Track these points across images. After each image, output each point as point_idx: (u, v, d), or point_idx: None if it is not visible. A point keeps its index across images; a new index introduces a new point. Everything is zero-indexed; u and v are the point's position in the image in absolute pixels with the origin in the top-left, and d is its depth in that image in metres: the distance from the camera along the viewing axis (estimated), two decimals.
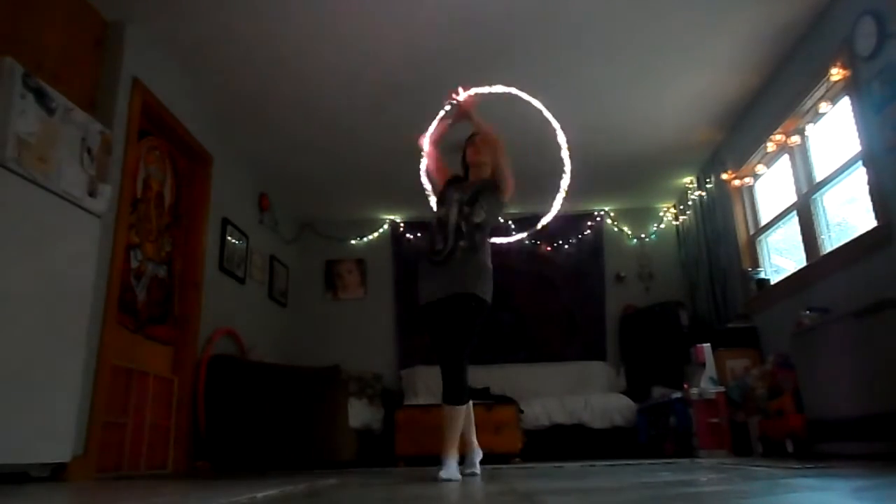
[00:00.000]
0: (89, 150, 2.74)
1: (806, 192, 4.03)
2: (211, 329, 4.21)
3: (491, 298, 2.78)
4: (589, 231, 6.16)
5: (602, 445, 4.78)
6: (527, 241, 6.28)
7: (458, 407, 2.67)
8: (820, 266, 3.74)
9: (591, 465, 3.48)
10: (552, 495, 1.78)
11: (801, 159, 4.14)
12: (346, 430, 4.11)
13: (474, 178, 2.96)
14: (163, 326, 3.85)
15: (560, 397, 5.08)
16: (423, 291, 2.82)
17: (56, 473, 2.58)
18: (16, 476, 2.38)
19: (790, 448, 3.39)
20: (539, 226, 3.44)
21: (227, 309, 4.51)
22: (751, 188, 4.88)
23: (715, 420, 4.08)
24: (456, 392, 2.67)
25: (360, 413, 4.50)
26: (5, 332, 2.26)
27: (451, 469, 2.56)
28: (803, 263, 3.99)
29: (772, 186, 4.65)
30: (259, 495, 1.78)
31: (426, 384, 5.51)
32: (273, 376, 4.19)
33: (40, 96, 2.46)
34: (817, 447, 3.16)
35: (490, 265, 2.81)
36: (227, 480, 2.80)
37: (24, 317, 2.36)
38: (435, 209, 2.98)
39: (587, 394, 5.14)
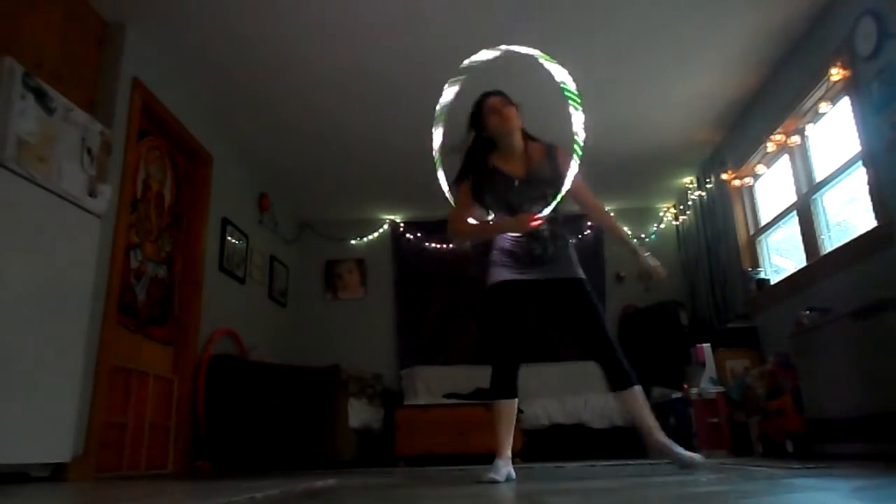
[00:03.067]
0: (89, 150, 2.74)
1: (806, 192, 4.03)
2: (211, 329, 4.22)
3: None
4: (589, 231, 6.16)
5: (602, 445, 4.78)
6: None
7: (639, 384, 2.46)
8: (820, 266, 3.74)
9: (591, 466, 3.48)
10: (553, 496, 1.78)
11: (801, 159, 4.14)
12: (345, 430, 4.11)
13: (517, 160, 2.50)
14: (163, 326, 3.85)
15: (560, 397, 5.08)
16: (510, 272, 2.49)
17: (56, 473, 2.58)
18: (16, 476, 2.38)
19: (790, 448, 3.39)
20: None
21: (227, 309, 4.51)
22: (751, 188, 4.88)
23: (715, 420, 4.08)
24: (630, 371, 2.46)
25: (359, 413, 4.50)
26: (5, 331, 2.26)
27: (499, 469, 2.37)
28: (803, 263, 3.99)
29: (772, 186, 4.65)
30: (259, 495, 1.78)
31: (426, 384, 5.51)
32: (273, 376, 4.19)
33: (40, 96, 2.46)
34: (817, 447, 3.16)
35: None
36: (227, 480, 2.80)
37: (24, 317, 2.36)
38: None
39: (587, 394, 5.14)
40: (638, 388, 2.44)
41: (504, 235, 2.51)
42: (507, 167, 2.50)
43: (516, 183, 2.46)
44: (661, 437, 2.42)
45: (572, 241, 2.63)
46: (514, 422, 2.58)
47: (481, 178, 2.51)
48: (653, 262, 2.69)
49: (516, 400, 2.55)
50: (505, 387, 2.51)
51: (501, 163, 2.51)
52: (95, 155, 2.78)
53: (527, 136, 2.58)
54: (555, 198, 2.39)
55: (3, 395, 2.22)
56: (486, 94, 2.57)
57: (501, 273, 2.50)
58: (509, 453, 2.51)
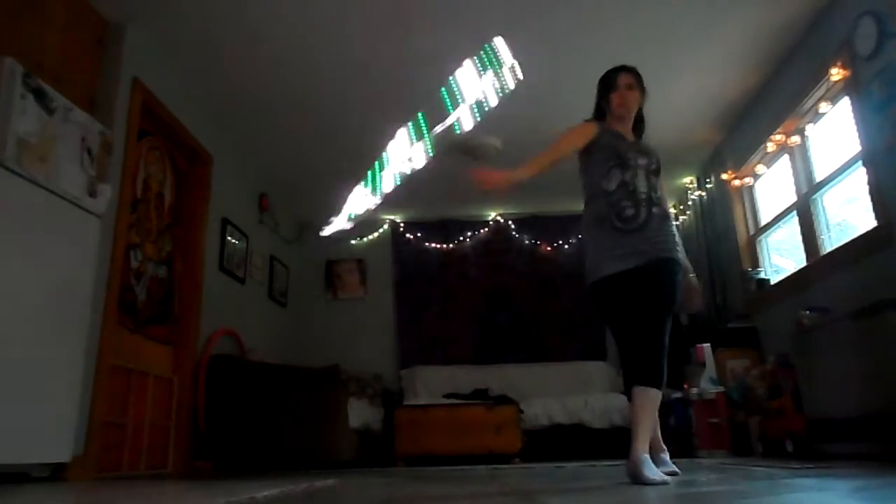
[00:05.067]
0: (89, 150, 2.74)
1: (806, 192, 4.03)
2: (211, 329, 4.22)
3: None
4: None
5: (602, 445, 4.78)
6: (526, 242, 6.30)
7: (658, 390, 2.20)
8: (820, 266, 3.74)
9: (591, 466, 3.48)
10: (553, 495, 1.78)
11: (801, 159, 4.14)
12: (345, 430, 4.11)
13: (630, 135, 2.55)
14: (163, 326, 3.85)
15: (560, 397, 5.08)
16: (605, 262, 2.33)
17: (56, 473, 2.58)
18: (16, 476, 2.38)
19: (790, 448, 3.39)
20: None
21: (227, 309, 4.51)
22: (751, 188, 4.88)
23: (715, 420, 4.08)
24: (658, 369, 2.20)
25: (359, 413, 4.50)
26: (5, 331, 2.26)
27: (653, 468, 2.10)
28: (803, 263, 3.99)
29: (772, 186, 4.65)
30: (259, 495, 1.78)
31: (426, 384, 5.52)
32: (273, 376, 4.19)
33: (40, 96, 2.46)
34: (817, 447, 3.16)
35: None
36: (227, 480, 2.80)
37: (24, 317, 2.36)
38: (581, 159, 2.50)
39: (587, 394, 5.14)
40: (649, 391, 2.19)
41: (596, 203, 2.41)
42: (620, 129, 2.56)
43: (628, 140, 2.51)
44: (662, 450, 2.47)
45: (671, 217, 2.47)
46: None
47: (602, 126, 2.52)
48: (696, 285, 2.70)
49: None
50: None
51: (615, 125, 2.57)
52: (95, 155, 2.78)
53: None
54: (658, 167, 2.46)
55: (3, 395, 2.22)
56: (622, 69, 2.66)
57: (598, 261, 2.36)
58: (662, 444, 2.49)
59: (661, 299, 2.27)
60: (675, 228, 2.44)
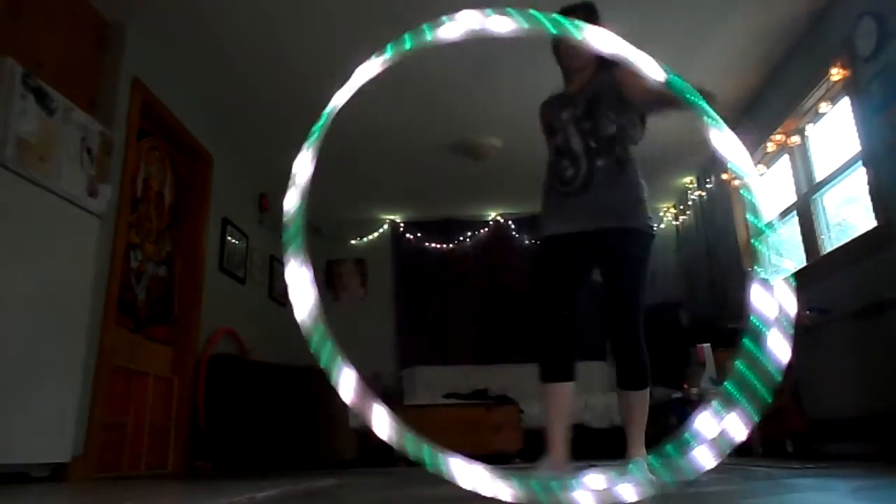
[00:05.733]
0: (89, 150, 2.74)
1: (806, 192, 4.03)
2: (211, 329, 4.21)
3: (653, 226, 2.11)
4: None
5: (602, 445, 4.78)
6: (526, 242, 6.29)
7: (646, 391, 2.03)
8: (820, 266, 3.74)
9: (591, 465, 3.47)
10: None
11: (801, 159, 4.14)
12: (345, 430, 4.11)
13: (577, 87, 2.19)
14: (163, 326, 3.85)
15: None
16: (550, 223, 2.12)
17: (56, 473, 2.58)
18: (16, 476, 2.38)
19: (790, 448, 3.39)
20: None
21: (227, 309, 4.51)
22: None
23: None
24: (643, 367, 2.04)
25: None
26: (5, 332, 2.26)
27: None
28: (803, 263, 3.99)
29: (772, 186, 4.65)
30: (259, 495, 1.78)
31: (426, 384, 5.51)
32: (273, 376, 4.19)
33: (40, 96, 2.46)
34: (817, 447, 3.16)
35: (645, 184, 2.13)
36: (228, 480, 2.80)
37: (24, 317, 2.36)
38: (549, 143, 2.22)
39: (587, 394, 5.14)
40: (639, 394, 2.05)
41: (546, 177, 2.16)
42: (572, 86, 2.21)
43: (565, 98, 2.18)
44: (638, 455, 2.05)
45: (628, 166, 2.08)
46: (569, 414, 2.05)
47: None
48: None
49: (570, 385, 2.04)
50: (555, 366, 2.03)
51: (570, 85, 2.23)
52: (95, 155, 2.78)
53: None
54: (593, 105, 2.06)
55: (3, 395, 2.22)
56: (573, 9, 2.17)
57: (548, 225, 2.13)
58: (564, 459, 1.99)
59: (625, 282, 2.03)
60: (637, 176, 2.08)
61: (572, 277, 2.08)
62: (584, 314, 2.07)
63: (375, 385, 5.58)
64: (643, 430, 2.08)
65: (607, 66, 2.09)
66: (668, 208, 6.22)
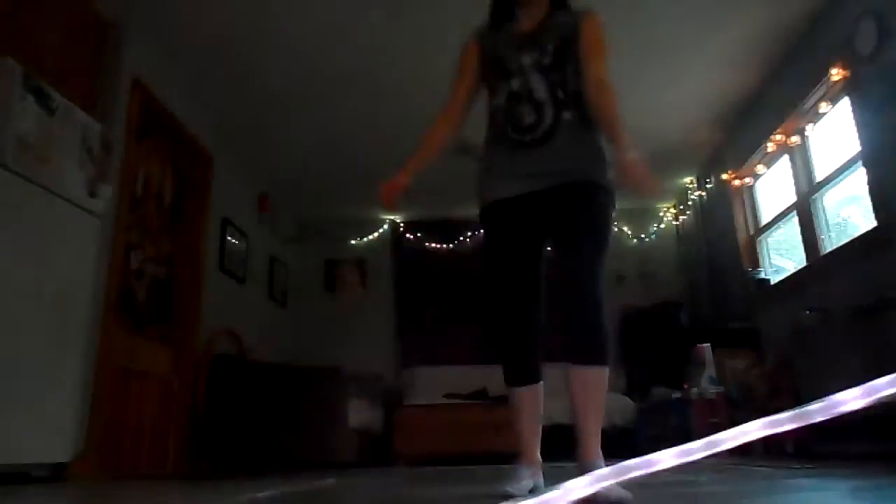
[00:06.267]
0: (89, 150, 2.74)
1: (806, 192, 4.03)
2: (211, 329, 4.21)
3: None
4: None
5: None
6: None
7: (604, 371, 1.72)
8: (820, 266, 3.74)
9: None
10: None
11: (801, 159, 4.14)
12: (345, 430, 4.11)
13: (533, 25, 1.86)
14: (163, 326, 3.85)
15: (560, 397, 5.07)
16: (498, 184, 1.81)
17: (56, 473, 2.58)
18: (16, 476, 2.38)
19: (790, 448, 3.39)
20: None
21: (227, 309, 4.51)
22: (751, 188, 4.88)
23: (715, 420, 4.07)
24: (601, 337, 1.70)
25: (359, 413, 4.50)
26: (5, 332, 2.26)
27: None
28: (803, 263, 3.99)
29: (772, 186, 4.65)
30: (260, 495, 1.78)
31: (426, 384, 5.51)
32: (273, 376, 4.19)
33: (40, 96, 2.46)
34: (817, 447, 3.16)
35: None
36: (228, 481, 2.80)
37: (24, 317, 2.36)
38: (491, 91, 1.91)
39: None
40: (594, 371, 1.73)
41: (492, 121, 1.89)
42: (521, 23, 1.91)
43: (516, 33, 1.89)
44: (595, 456, 1.74)
45: (593, 125, 1.80)
46: (540, 413, 1.91)
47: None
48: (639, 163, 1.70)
49: (539, 385, 1.88)
50: (517, 367, 1.85)
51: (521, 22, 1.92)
52: (95, 155, 2.78)
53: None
54: (559, 54, 1.80)
55: (3, 395, 2.22)
56: None
57: (492, 183, 1.84)
58: (537, 456, 1.88)
59: (587, 240, 1.72)
60: (601, 139, 1.80)
61: (532, 253, 1.81)
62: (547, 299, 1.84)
63: (376, 385, 5.59)
64: (600, 427, 1.74)
65: (563, 4, 1.91)
66: (668, 208, 6.22)
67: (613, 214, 1.80)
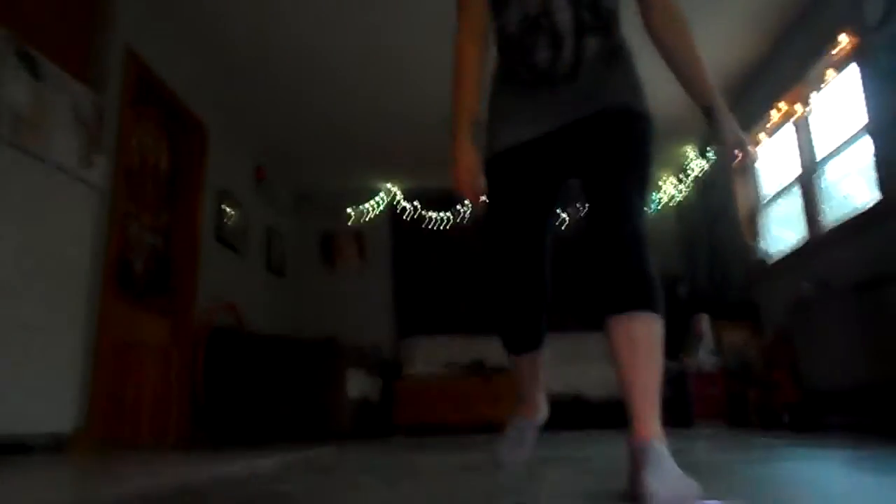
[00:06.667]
0: (83, 120, 2.70)
1: (809, 163, 3.99)
2: (208, 300, 4.21)
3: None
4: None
5: (601, 416, 4.82)
6: None
7: (656, 319, 1.27)
8: (821, 239, 3.72)
9: (587, 435, 3.51)
10: (550, 466, 1.79)
11: (804, 130, 4.09)
12: (344, 400, 4.14)
13: None
14: (160, 297, 3.84)
15: (559, 368, 5.10)
16: (505, 130, 1.49)
17: (58, 445, 2.59)
18: (17, 447, 2.39)
19: (787, 420, 3.42)
20: None
21: (224, 280, 4.50)
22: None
23: (712, 391, 4.10)
24: (649, 280, 1.28)
25: (358, 383, 4.53)
26: (4, 305, 2.25)
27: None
28: (805, 236, 3.97)
29: (774, 157, 4.61)
30: (259, 465, 1.79)
31: (424, 355, 5.54)
32: (271, 348, 4.20)
33: (32, 66, 2.40)
34: (814, 418, 3.19)
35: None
36: (227, 451, 2.82)
37: (23, 290, 2.35)
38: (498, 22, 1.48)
39: (586, 365, 5.17)
40: (643, 319, 1.26)
41: (502, 56, 1.52)
42: None
43: None
44: (651, 434, 1.16)
45: (626, 47, 1.53)
46: (541, 374, 1.73)
47: None
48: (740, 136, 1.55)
49: (539, 352, 1.66)
50: (518, 334, 1.62)
51: None
52: (89, 125, 2.73)
53: None
54: None
55: (4, 369, 2.22)
56: None
57: (504, 127, 1.49)
58: (537, 405, 1.75)
59: (624, 171, 1.37)
60: (636, 69, 1.52)
61: (540, 210, 1.51)
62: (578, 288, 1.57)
63: (374, 355, 5.61)
64: (656, 396, 1.22)
65: None
66: (668, 180, 6.17)
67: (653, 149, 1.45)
